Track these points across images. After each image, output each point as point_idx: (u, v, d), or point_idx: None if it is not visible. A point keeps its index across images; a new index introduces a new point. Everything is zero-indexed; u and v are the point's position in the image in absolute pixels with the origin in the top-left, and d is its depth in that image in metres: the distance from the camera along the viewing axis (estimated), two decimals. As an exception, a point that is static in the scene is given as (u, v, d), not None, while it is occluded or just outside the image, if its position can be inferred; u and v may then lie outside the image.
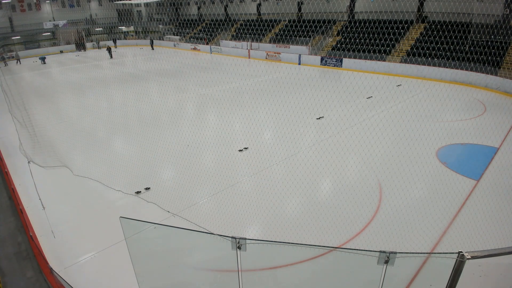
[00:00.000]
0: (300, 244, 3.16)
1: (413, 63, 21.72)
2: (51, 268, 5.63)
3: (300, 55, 28.09)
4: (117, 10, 48.16)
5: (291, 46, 29.74)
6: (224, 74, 23.55)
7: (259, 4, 38.29)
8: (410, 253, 3.03)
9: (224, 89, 19.44)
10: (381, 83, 19.64)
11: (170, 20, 49.78)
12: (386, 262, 2.94)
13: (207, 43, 38.49)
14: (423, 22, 25.18)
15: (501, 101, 15.87)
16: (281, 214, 7.39)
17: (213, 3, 44.23)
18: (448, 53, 21.03)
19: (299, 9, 34.37)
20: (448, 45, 21.60)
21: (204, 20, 44.46)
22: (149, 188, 8.65)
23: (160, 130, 12.89)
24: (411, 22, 25.49)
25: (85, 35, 43.74)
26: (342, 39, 27.62)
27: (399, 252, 2.92)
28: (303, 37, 30.05)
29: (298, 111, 14.75)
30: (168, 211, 7.58)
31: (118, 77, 24.62)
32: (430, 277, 5.51)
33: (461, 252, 2.67)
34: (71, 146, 11.65)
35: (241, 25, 38.39)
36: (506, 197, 7.78)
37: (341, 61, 25.11)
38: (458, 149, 10.37)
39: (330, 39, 28.76)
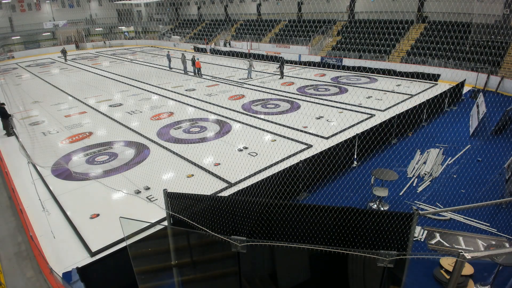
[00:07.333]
0: (300, 244, 3.16)
1: (413, 63, 21.72)
2: (51, 268, 5.62)
3: (300, 55, 28.10)
4: (117, 10, 48.21)
5: (291, 46, 29.76)
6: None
7: (259, 4, 38.29)
8: (410, 253, 3.04)
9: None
10: (380, 83, 19.63)
11: (170, 20, 49.80)
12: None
13: (207, 43, 38.49)
14: (423, 22, 25.18)
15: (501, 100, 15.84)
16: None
17: (213, 3, 44.25)
18: (448, 53, 21.03)
19: (299, 9, 34.38)
20: (448, 45, 21.60)
21: (204, 20, 44.46)
22: (149, 188, 8.65)
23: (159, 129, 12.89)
24: (411, 22, 25.49)
25: (85, 35, 43.81)
26: (342, 39, 27.63)
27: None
28: (303, 37, 30.07)
29: (297, 111, 14.75)
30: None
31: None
32: (430, 277, 5.51)
33: (461, 252, 2.67)
34: (71, 146, 11.67)
35: (241, 25, 38.40)
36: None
37: (341, 61, 25.11)
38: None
39: (330, 39, 28.77)
